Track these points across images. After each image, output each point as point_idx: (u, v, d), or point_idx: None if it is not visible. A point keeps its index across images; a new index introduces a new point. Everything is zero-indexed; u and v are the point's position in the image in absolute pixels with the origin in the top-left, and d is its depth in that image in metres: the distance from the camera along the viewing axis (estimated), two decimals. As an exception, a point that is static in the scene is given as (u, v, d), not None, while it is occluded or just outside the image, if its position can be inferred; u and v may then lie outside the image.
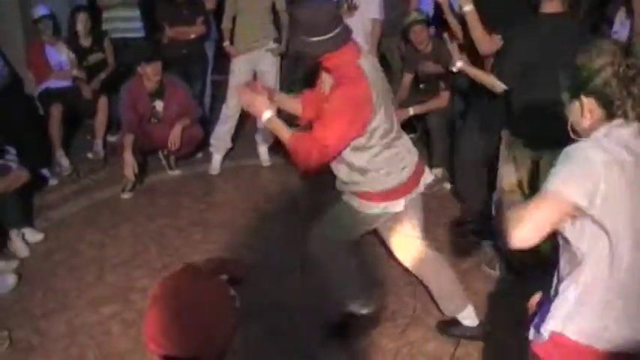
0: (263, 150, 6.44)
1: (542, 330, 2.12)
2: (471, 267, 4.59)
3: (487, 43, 4.22)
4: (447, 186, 5.73)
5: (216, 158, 6.28)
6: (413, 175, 3.44)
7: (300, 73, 6.89)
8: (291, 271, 4.46)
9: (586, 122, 2.09)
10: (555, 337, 2.09)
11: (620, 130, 2.01)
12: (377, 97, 3.14)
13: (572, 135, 2.13)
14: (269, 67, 6.16)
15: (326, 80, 3.32)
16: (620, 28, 5.00)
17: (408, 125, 6.13)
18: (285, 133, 3.24)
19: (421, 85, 6.01)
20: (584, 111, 2.08)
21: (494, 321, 3.90)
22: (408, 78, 5.95)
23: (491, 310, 4.08)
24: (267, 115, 3.26)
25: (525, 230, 1.93)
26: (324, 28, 3.07)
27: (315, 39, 3.09)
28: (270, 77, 6.15)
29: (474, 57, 4.44)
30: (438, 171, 5.78)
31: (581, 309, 2.06)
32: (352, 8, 6.05)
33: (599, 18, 5.49)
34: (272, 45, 6.10)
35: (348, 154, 3.28)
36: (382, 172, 3.31)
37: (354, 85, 3.11)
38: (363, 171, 3.31)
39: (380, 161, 3.29)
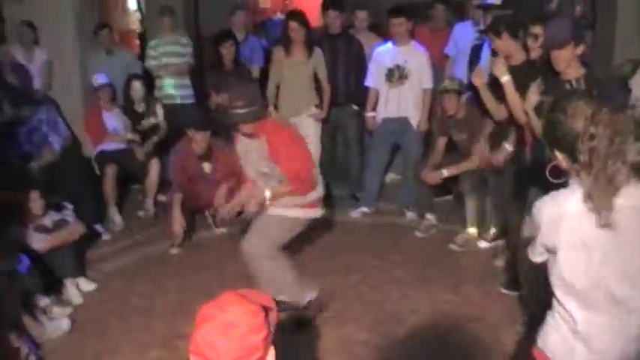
0: (304, 210, 6.71)
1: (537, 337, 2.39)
2: (500, 320, 4.73)
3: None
4: (482, 244, 5.90)
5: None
6: None
7: (340, 138, 7.22)
8: (325, 323, 4.67)
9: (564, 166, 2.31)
10: (536, 350, 2.36)
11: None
12: None
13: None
14: (311, 131, 6.48)
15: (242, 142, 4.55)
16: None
17: (442, 187, 6.40)
18: (282, 189, 4.44)
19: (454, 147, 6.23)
20: (560, 160, 2.30)
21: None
22: (441, 142, 6.17)
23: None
24: (267, 193, 4.45)
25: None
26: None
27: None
28: (312, 141, 6.46)
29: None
30: (472, 230, 5.98)
31: (553, 332, 2.30)
32: (403, 77, 6.38)
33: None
34: (314, 110, 6.45)
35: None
36: None
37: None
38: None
39: None
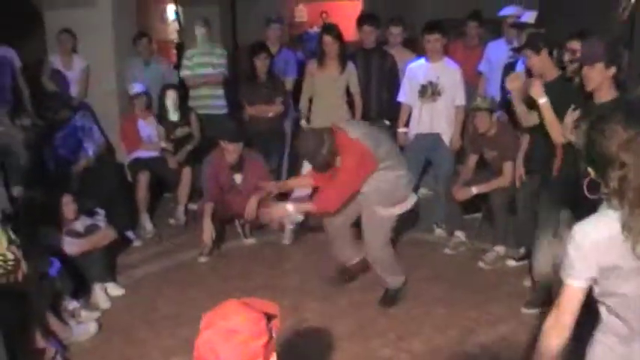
0: (335, 223, 6.74)
1: None
2: (527, 339, 4.68)
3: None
4: (511, 263, 5.86)
5: (289, 229, 6.58)
6: None
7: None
8: (350, 336, 4.70)
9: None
10: None
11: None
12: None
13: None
14: (342, 145, 6.52)
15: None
16: None
17: (472, 205, 6.38)
18: (308, 206, 4.99)
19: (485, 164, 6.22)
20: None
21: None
22: (472, 159, 6.17)
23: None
24: (290, 208, 4.94)
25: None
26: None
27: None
28: (343, 155, 6.53)
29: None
30: (500, 248, 5.94)
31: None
32: (436, 94, 6.37)
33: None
34: (345, 124, 6.47)
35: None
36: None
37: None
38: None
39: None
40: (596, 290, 2.26)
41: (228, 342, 1.72)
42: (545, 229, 4.75)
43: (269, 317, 1.83)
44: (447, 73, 6.36)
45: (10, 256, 2.99)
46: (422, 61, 6.45)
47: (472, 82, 6.97)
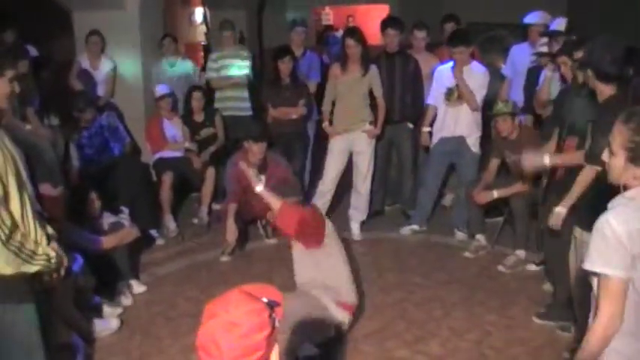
0: (355, 225, 6.75)
1: None
2: (543, 344, 4.69)
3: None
4: (531, 267, 5.85)
5: (309, 231, 6.63)
6: None
7: (394, 156, 7.26)
8: (367, 337, 4.73)
9: (635, 183, 2.34)
10: None
11: None
12: None
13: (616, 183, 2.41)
14: (364, 147, 6.56)
15: None
16: None
17: (493, 209, 6.38)
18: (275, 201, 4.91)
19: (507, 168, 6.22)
20: (637, 177, 2.33)
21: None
22: (494, 163, 6.16)
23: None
24: (258, 188, 5.05)
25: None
26: None
27: None
28: (365, 158, 6.57)
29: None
30: (521, 252, 5.94)
31: None
32: (462, 98, 6.38)
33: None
34: (368, 127, 6.51)
35: None
36: None
37: None
38: None
39: None
40: None
41: (230, 334, 1.74)
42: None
43: (272, 305, 1.85)
44: (473, 76, 6.36)
45: (53, 253, 3.04)
46: (450, 64, 6.47)
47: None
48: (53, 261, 3.00)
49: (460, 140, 6.51)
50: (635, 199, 2.30)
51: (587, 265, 2.35)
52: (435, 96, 6.60)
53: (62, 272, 3.22)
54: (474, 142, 6.54)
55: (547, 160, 4.71)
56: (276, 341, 1.86)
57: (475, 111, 6.44)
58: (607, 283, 2.30)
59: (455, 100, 6.40)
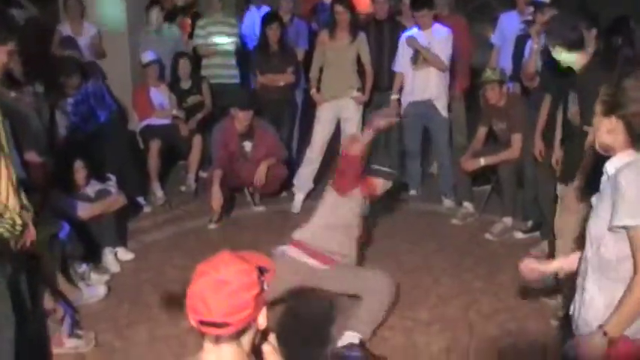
0: (342, 192, 6.75)
1: None
2: (529, 310, 4.73)
3: None
4: (518, 235, 5.88)
5: (299, 198, 6.62)
6: None
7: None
8: (353, 304, 4.72)
9: (609, 140, 2.33)
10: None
11: None
12: None
13: (597, 148, 2.39)
14: (352, 114, 6.54)
15: None
16: None
17: (481, 177, 6.39)
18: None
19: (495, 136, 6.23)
20: (610, 129, 2.31)
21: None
22: (482, 131, 6.16)
23: (542, 351, 4.20)
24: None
25: None
26: None
27: None
28: (353, 124, 6.54)
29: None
30: (508, 220, 5.97)
31: None
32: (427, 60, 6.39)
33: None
34: (355, 94, 6.48)
35: None
36: None
37: None
38: None
39: None
40: None
41: (218, 292, 1.76)
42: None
43: (262, 271, 1.86)
44: (437, 38, 6.37)
45: (19, 221, 3.02)
46: (415, 30, 6.44)
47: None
48: (18, 228, 2.99)
49: (429, 104, 6.51)
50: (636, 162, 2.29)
51: (617, 221, 2.29)
52: (401, 63, 6.59)
53: (27, 243, 3.22)
54: (443, 106, 6.56)
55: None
56: (265, 304, 1.86)
57: (443, 72, 6.45)
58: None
59: (421, 64, 6.38)
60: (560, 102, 4.68)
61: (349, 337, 4.05)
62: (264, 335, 2.00)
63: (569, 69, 4.18)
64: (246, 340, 1.87)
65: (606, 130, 2.32)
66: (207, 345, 1.86)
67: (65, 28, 7.30)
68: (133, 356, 4.15)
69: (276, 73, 6.96)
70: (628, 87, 2.26)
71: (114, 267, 5.23)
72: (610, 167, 2.35)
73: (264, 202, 6.67)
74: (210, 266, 1.82)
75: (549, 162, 4.90)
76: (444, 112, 6.57)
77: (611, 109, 2.30)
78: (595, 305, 2.44)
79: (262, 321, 1.88)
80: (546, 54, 4.80)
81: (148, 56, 7.09)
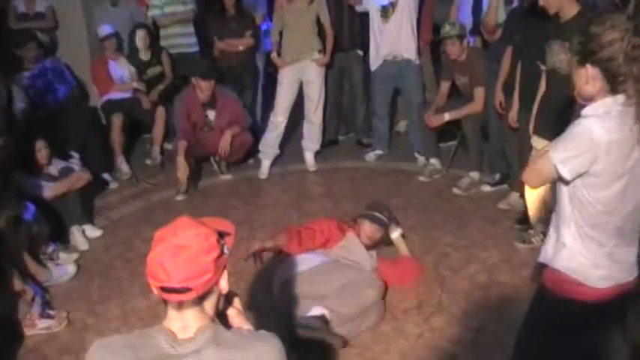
0: (309, 156, 6.74)
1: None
2: (499, 262, 4.78)
3: None
4: (485, 188, 5.91)
5: (265, 164, 6.60)
6: None
7: (346, 84, 7.21)
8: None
9: (589, 89, 2.31)
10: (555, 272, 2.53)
11: (624, 110, 2.23)
12: None
13: (577, 99, 2.39)
14: (314, 77, 6.49)
15: None
16: None
17: (447, 133, 6.40)
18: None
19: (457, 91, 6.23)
20: (588, 78, 2.29)
21: (516, 311, 4.09)
22: (444, 85, 6.17)
23: (512, 300, 4.25)
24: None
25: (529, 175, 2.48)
26: None
27: None
28: (316, 87, 6.51)
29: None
30: (475, 174, 6.00)
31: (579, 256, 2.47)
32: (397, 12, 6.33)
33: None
34: (317, 55, 6.43)
35: None
36: None
37: None
38: None
39: None
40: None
41: (177, 257, 1.74)
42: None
43: (222, 235, 1.86)
44: None
45: None
46: None
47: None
48: None
49: (401, 62, 6.48)
50: (609, 112, 2.27)
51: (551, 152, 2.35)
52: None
53: None
54: (415, 59, 6.52)
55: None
56: (226, 267, 1.86)
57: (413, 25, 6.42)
58: (551, 171, 2.36)
59: (392, 17, 6.35)
60: (522, 54, 4.69)
61: (316, 310, 4.03)
62: (229, 300, 2.01)
63: (556, 16, 4.14)
64: (210, 304, 1.86)
65: (585, 81, 2.32)
66: (171, 312, 1.84)
67: (19, 4, 7.13)
68: (107, 332, 4.12)
69: (234, 37, 6.90)
70: (596, 33, 2.24)
71: (82, 245, 5.19)
72: (584, 112, 2.35)
73: (231, 171, 6.64)
74: (168, 232, 1.80)
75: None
76: (417, 68, 6.54)
77: (584, 58, 2.29)
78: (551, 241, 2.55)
79: (224, 285, 1.88)
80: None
81: (104, 30, 6.96)
